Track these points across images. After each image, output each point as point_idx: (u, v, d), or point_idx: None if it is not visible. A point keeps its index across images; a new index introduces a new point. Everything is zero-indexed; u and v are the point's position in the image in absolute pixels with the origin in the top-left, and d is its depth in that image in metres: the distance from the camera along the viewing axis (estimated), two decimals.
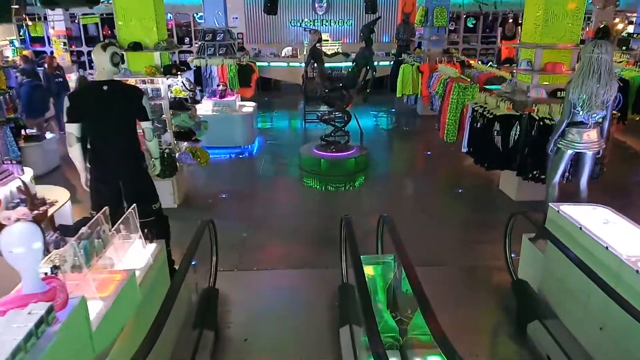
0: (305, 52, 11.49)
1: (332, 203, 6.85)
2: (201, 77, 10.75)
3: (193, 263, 4.99)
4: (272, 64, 14.30)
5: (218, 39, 11.04)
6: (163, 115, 6.01)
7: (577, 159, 4.41)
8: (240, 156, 8.74)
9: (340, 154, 7.83)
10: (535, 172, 5.98)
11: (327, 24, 16.14)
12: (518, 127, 5.99)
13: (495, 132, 6.13)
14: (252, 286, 4.75)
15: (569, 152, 4.31)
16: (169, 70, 5.84)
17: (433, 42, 11.35)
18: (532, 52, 6.09)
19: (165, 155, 5.97)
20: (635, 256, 3.15)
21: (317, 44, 7.56)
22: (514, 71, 6.43)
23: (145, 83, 5.86)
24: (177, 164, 6.24)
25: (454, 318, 3.93)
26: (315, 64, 7.73)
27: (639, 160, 7.80)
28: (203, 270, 4.53)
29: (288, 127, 11.52)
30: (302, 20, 15.70)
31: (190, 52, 14.20)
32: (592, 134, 4.22)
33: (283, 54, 14.67)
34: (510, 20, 14.00)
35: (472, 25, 16.47)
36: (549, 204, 4.06)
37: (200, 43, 11.09)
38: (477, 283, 4.79)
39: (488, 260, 5.14)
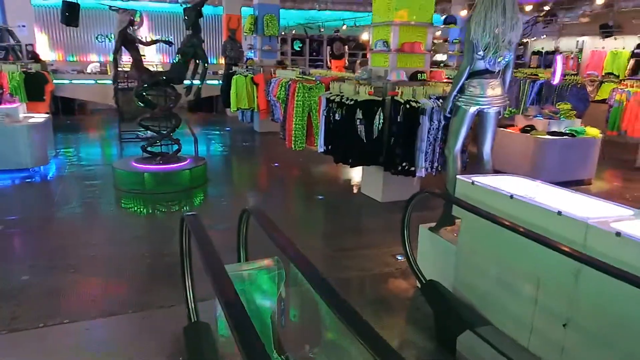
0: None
1: (164, 227, 5.15)
2: None
3: None
4: (74, 81, 11.80)
5: None
6: None
7: (478, 120, 3.65)
8: (28, 180, 6.43)
9: (169, 165, 6.18)
10: (404, 165, 5.24)
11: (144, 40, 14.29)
12: (381, 114, 5.21)
13: (358, 120, 5.25)
14: (35, 353, 2.86)
15: (471, 110, 3.52)
16: None
17: (265, 53, 10.49)
18: (387, 32, 5.44)
19: None
20: (601, 217, 2.34)
21: (129, 28, 5.93)
22: (369, 53, 5.70)
23: None
24: None
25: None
26: (129, 54, 6.06)
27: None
28: None
29: (99, 150, 9.33)
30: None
31: None
32: (497, 87, 3.50)
33: (89, 70, 12.34)
34: (338, 40, 14.05)
35: (299, 49, 16.29)
36: (457, 177, 3.17)
37: None
38: (373, 295, 3.66)
39: (374, 267, 4.09)
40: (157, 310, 3.31)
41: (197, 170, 6.32)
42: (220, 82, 12.23)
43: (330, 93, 5.81)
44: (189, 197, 6.08)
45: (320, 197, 6.12)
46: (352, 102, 5.28)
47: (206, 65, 6.19)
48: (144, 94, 6.07)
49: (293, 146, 7.31)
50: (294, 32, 15.82)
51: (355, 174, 6.73)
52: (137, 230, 5.00)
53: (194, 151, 6.92)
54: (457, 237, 3.34)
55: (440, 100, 5.05)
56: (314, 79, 7.43)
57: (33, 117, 7.11)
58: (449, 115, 3.69)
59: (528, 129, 6.59)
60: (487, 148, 3.64)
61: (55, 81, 10.81)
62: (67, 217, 5.30)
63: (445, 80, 6.24)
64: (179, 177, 6.15)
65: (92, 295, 3.57)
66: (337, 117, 5.54)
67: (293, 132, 7.32)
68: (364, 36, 13.92)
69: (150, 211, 5.62)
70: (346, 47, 13.81)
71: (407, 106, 5.05)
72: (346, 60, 13.05)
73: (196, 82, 6.18)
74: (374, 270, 4.02)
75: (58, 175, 6.81)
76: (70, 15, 11.26)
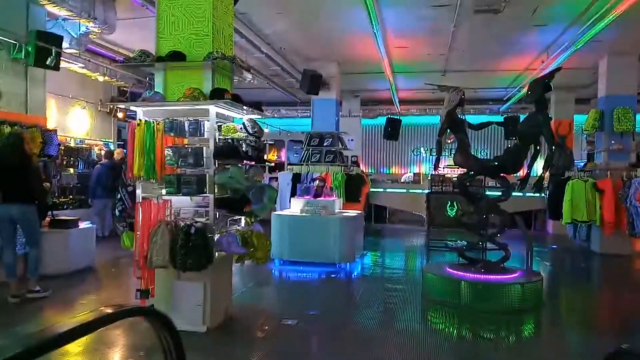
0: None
1: (488, 358, 3.59)
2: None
3: None
4: (388, 189, 11.88)
5: (325, 144, 9.18)
6: (204, 169, 3.66)
7: None
8: (333, 276, 5.93)
9: (494, 276, 4.68)
10: None
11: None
12: None
13: None
14: None
15: None
16: (220, 94, 3.64)
17: (613, 154, 8.23)
18: None
19: (193, 232, 3.49)
20: None
21: (458, 108, 5.07)
22: None
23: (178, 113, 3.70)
24: (215, 252, 3.67)
25: None
26: (454, 136, 5.14)
27: None
28: None
29: (405, 256, 8.57)
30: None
31: None
32: None
33: (403, 180, 12.36)
34: None
35: None
36: None
37: (305, 148, 9.29)
38: None
39: None
40: None
41: (530, 287, 4.61)
42: (543, 194, 10.33)
43: None
44: (517, 322, 4.36)
45: None
46: None
47: (554, 148, 4.70)
48: (465, 183, 4.95)
49: None
50: None
51: None
52: (449, 357, 3.57)
53: (525, 263, 5.25)
54: None
55: None
56: None
57: (347, 212, 6.88)
58: None
59: None
60: None
61: (372, 189, 11.07)
62: (365, 322, 4.33)
63: None
64: (506, 292, 4.54)
65: None
66: None
67: None
68: None
69: (466, 333, 4.15)
70: None
71: None
72: None
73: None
74: None
75: (362, 275, 6.15)
76: (392, 130, 11.82)
